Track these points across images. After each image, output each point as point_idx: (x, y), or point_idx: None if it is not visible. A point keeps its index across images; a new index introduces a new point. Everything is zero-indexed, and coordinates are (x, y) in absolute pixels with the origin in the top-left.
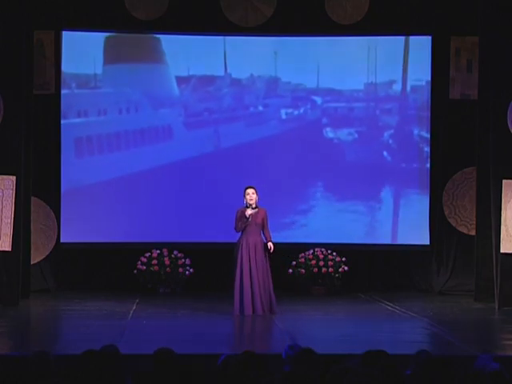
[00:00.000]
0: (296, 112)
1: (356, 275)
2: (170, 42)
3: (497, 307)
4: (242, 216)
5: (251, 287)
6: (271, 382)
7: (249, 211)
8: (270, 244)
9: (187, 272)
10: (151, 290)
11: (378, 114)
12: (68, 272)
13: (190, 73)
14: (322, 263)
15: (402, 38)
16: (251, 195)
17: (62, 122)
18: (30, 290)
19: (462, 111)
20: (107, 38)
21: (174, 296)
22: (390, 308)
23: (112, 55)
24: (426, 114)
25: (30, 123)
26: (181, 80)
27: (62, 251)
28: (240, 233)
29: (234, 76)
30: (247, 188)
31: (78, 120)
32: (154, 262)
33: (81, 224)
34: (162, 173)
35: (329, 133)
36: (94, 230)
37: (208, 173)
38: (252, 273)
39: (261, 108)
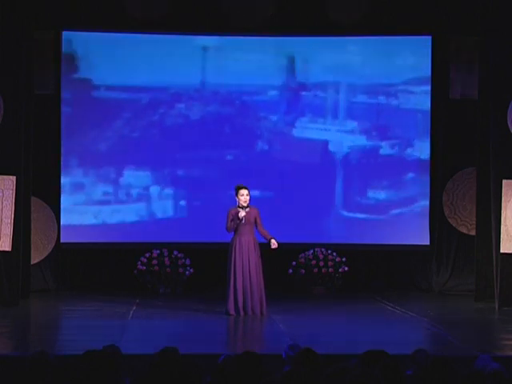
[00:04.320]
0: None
1: (356, 275)
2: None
3: (497, 307)
4: (234, 217)
5: (243, 288)
6: (271, 382)
7: (242, 213)
8: (273, 241)
9: (187, 272)
10: (151, 290)
11: (378, 112)
12: (68, 272)
13: None
14: (322, 263)
15: (402, 38)
16: (245, 196)
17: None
18: (30, 289)
19: (461, 111)
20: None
21: (174, 296)
22: (390, 308)
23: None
24: (426, 113)
25: (29, 123)
26: None
27: (61, 251)
28: (232, 233)
29: None
30: (241, 188)
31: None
32: (154, 262)
33: (81, 223)
34: (162, 172)
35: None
36: (95, 230)
37: (208, 172)
38: (244, 273)
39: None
